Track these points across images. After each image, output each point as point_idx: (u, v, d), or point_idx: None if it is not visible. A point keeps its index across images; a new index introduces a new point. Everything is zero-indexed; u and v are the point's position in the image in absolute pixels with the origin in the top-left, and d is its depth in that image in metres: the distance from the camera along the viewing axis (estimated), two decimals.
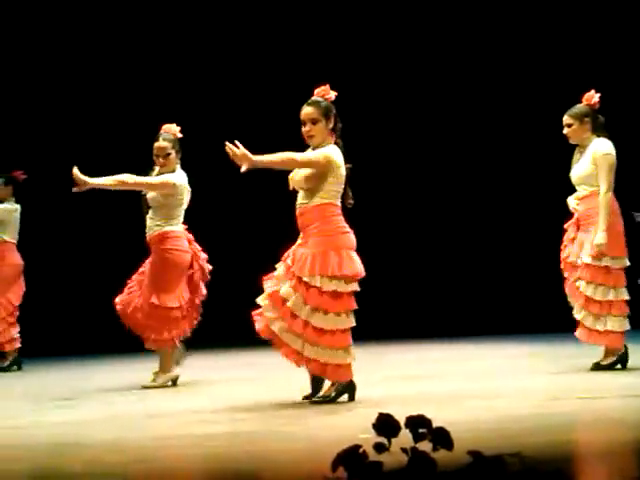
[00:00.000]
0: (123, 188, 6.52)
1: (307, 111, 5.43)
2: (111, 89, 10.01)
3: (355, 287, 5.36)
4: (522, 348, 8.16)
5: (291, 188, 5.54)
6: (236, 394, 6.09)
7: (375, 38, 10.08)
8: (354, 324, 5.37)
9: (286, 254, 5.45)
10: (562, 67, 9.64)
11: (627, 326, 6.36)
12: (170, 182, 6.52)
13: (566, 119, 6.44)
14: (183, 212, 6.64)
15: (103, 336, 8.85)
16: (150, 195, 6.58)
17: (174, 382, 6.59)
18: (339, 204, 5.44)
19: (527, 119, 9.79)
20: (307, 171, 5.39)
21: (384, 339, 8.94)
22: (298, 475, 3.67)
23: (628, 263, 6.40)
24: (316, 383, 5.44)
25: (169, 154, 6.55)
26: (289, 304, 5.27)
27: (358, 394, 5.45)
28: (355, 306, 5.38)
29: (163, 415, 5.31)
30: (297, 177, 5.46)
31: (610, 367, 6.33)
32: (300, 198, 5.46)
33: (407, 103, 10.13)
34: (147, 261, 6.62)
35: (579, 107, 6.43)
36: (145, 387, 6.45)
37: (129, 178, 6.45)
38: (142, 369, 6.85)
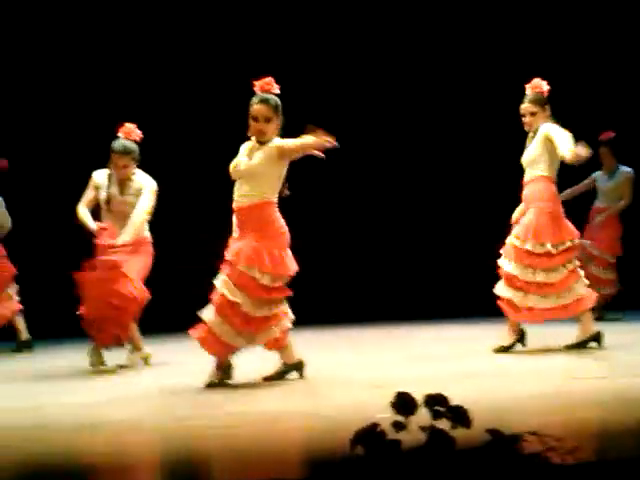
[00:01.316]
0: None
1: (260, 109, 5.41)
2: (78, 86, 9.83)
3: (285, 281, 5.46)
4: (539, 327, 8.15)
5: (235, 178, 5.48)
6: (243, 373, 6.10)
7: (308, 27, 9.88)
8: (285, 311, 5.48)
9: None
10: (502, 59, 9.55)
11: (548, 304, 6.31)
12: (155, 189, 6.52)
13: (529, 107, 6.42)
14: None
15: None
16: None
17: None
18: (277, 200, 5.48)
19: (473, 105, 9.71)
20: (259, 163, 5.38)
21: (399, 319, 8.94)
22: (316, 454, 3.69)
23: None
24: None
25: (127, 166, 6.48)
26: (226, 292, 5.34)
27: (374, 374, 5.48)
28: (288, 293, 5.48)
29: (175, 394, 5.33)
30: (244, 167, 5.42)
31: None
32: (242, 191, 5.42)
33: (354, 90, 10.00)
34: None
35: (535, 95, 6.43)
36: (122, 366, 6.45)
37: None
38: (156, 349, 6.85)
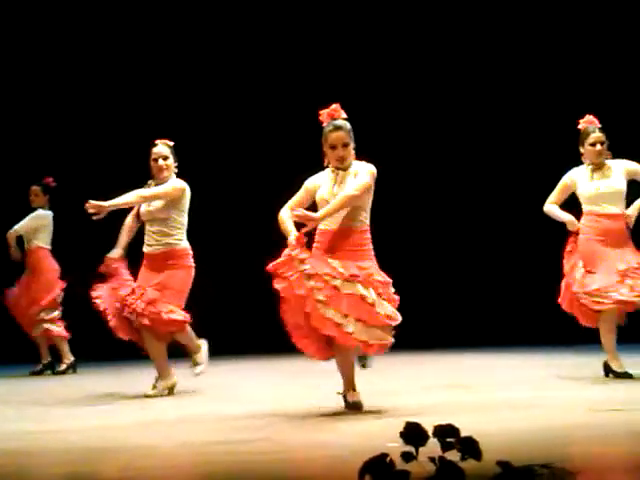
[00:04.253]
0: (141, 202, 6.51)
1: (340, 135, 5.39)
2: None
3: None
4: (561, 358, 8.10)
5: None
6: (264, 399, 6.13)
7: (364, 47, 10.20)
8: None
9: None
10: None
11: None
12: (179, 187, 6.51)
13: (603, 137, 6.54)
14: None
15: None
16: (153, 207, 6.53)
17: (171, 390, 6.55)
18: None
19: (529, 130, 9.87)
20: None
21: (418, 348, 8.93)
22: None
23: None
24: None
25: (167, 157, 6.55)
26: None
27: (390, 402, 5.51)
28: None
29: (195, 421, 5.34)
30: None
31: None
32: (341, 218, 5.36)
33: (412, 113, 10.19)
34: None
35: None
36: (148, 396, 6.47)
37: (143, 191, 6.46)
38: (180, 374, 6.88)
